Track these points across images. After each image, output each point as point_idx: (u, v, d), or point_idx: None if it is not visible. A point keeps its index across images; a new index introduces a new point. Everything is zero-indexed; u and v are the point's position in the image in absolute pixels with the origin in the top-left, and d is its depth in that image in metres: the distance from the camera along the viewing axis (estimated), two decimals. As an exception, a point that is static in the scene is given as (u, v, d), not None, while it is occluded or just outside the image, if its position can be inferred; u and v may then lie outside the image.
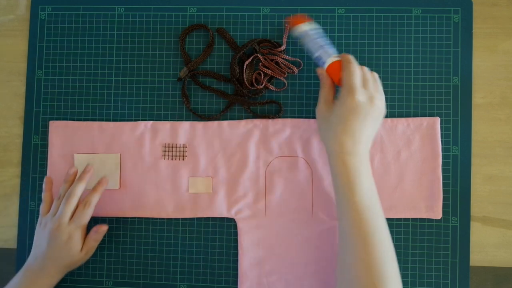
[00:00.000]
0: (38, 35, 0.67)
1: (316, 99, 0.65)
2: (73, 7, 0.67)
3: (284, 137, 0.64)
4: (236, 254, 0.64)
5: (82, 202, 0.60)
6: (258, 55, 0.64)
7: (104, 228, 0.62)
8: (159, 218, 0.65)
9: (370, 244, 0.50)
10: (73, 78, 0.67)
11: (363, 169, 0.54)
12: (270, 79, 0.65)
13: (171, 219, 0.65)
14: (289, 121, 0.64)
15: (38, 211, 0.66)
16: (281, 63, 0.64)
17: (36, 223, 0.65)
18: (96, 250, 0.65)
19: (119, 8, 0.67)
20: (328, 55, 0.58)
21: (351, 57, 0.56)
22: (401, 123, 0.63)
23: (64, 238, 0.58)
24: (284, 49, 0.64)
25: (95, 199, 0.61)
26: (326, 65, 0.57)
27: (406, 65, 0.64)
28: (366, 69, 0.57)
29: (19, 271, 0.60)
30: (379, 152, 0.63)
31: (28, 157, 0.66)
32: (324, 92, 0.58)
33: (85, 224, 0.60)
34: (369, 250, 0.50)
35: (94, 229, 0.61)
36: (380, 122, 0.56)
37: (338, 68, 0.57)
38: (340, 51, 0.65)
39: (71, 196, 0.60)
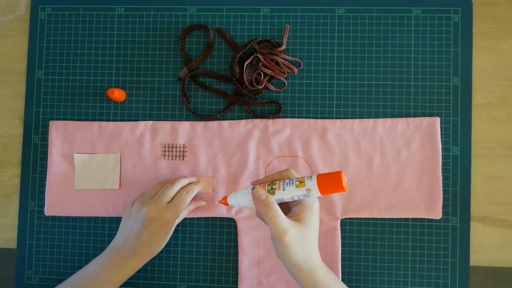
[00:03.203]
0: (38, 35, 0.67)
1: (316, 99, 0.65)
2: (73, 7, 0.67)
3: (284, 137, 0.64)
4: (236, 254, 0.64)
5: (185, 189, 0.60)
6: (258, 55, 0.64)
7: (201, 203, 0.63)
8: (159, 218, 0.65)
9: None
10: (73, 78, 0.67)
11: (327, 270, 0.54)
12: (270, 79, 0.65)
13: (171, 219, 0.65)
14: (289, 121, 0.64)
15: (38, 211, 0.66)
16: (281, 63, 0.64)
17: (36, 223, 0.65)
18: (96, 250, 0.65)
19: (119, 8, 0.67)
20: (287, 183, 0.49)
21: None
22: (401, 123, 0.63)
23: (161, 222, 0.57)
24: (284, 49, 0.64)
25: (197, 188, 0.61)
26: (314, 183, 0.47)
27: (406, 65, 0.64)
28: None
29: (103, 252, 0.59)
30: (379, 152, 0.63)
31: (28, 157, 0.66)
32: (281, 216, 0.48)
33: (182, 212, 0.59)
34: None
35: (194, 201, 0.62)
36: None
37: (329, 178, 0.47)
38: (340, 51, 0.65)
39: (174, 183, 0.60)
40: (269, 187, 0.49)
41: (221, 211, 0.63)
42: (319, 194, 0.47)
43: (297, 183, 0.48)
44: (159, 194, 0.59)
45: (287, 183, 0.49)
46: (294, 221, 0.49)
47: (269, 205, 0.47)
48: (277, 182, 0.49)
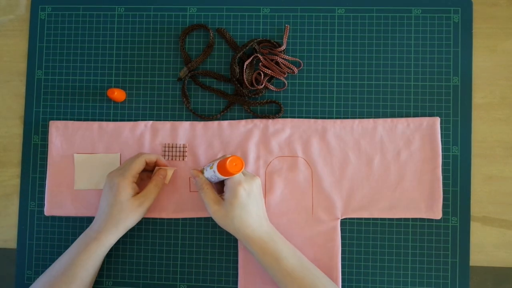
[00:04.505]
0: (38, 35, 0.67)
1: (316, 99, 0.65)
2: (73, 7, 0.67)
3: (284, 137, 0.64)
4: (236, 254, 0.64)
5: (134, 157, 0.60)
6: (258, 55, 0.64)
7: (164, 172, 0.61)
8: (159, 218, 0.65)
9: None
10: (73, 78, 0.67)
11: (276, 237, 0.58)
12: (270, 79, 0.65)
13: (171, 219, 0.65)
14: (289, 121, 0.64)
15: (38, 211, 0.66)
16: (281, 63, 0.64)
17: (36, 223, 0.66)
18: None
19: (119, 8, 0.67)
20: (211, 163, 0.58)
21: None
22: (401, 123, 0.63)
23: (110, 184, 0.58)
24: (284, 49, 0.64)
25: (151, 156, 0.60)
26: (215, 166, 0.55)
27: (406, 65, 0.64)
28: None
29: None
30: (379, 152, 0.63)
31: (28, 157, 0.66)
32: (208, 194, 0.57)
33: (132, 174, 0.58)
34: None
35: (156, 171, 0.61)
36: (262, 193, 0.59)
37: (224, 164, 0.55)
38: (340, 51, 0.65)
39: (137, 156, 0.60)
40: (203, 168, 0.59)
41: (221, 211, 0.64)
42: (220, 175, 0.55)
43: (212, 165, 0.56)
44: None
45: (209, 166, 0.57)
46: (221, 198, 0.57)
47: (198, 183, 0.58)
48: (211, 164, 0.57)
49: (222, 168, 0.54)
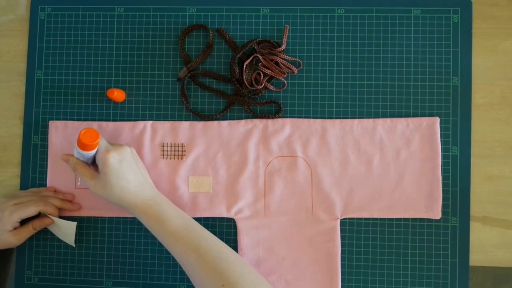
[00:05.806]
0: (38, 35, 0.67)
1: (315, 99, 0.65)
2: (73, 7, 0.67)
3: (283, 137, 0.64)
4: (235, 254, 0.64)
5: (33, 201, 0.60)
6: (257, 55, 0.64)
7: (47, 221, 0.61)
8: (159, 218, 0.65)
9: (201, 254, 0.53)
10: (73, 78, 0.67)
11: (160, 200, 0.58)
12: (270, 79, 0.65)
13: (170, 219, 0.65)
14: (289, 121, 0.64)
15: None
16: (281, 63, 0.64)
17: (36, 223, 0.66)
18: (96, 250, 0.65)
19: (119, 8, 0.67)
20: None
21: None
22: (401, 123, 0.63)
23: None
24: (283, 49, 0.64)
25: (48, 209, 0.60)
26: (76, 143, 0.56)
27: (406, 65, 0.64)
28: None
29: None
30: (379, 152, 0.63)
31: (28, 157, 0.66)
32: (83, 171, 0.58)
33: (21, 216, 0.59)
34: (203, 260, 0.53)
35: (40, 218, 0.62)
36: (139, 161, 0.61)
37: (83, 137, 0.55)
38: (340, 51, 0.65)
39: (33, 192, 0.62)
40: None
41: (220, 211, 0.63)
42: (83, 151, 0.56)
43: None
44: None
45: (76, 146, 0.57)
46: (97, 172, 0.58)
47: (70, 166, 0.59)
48: None
49: (79, 142, 0.54)
